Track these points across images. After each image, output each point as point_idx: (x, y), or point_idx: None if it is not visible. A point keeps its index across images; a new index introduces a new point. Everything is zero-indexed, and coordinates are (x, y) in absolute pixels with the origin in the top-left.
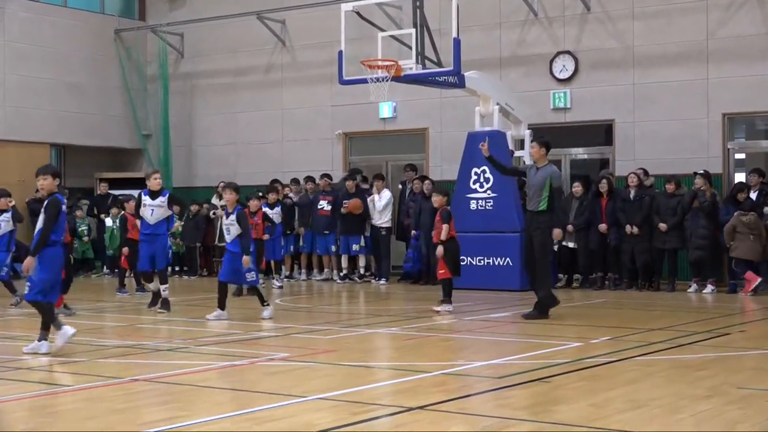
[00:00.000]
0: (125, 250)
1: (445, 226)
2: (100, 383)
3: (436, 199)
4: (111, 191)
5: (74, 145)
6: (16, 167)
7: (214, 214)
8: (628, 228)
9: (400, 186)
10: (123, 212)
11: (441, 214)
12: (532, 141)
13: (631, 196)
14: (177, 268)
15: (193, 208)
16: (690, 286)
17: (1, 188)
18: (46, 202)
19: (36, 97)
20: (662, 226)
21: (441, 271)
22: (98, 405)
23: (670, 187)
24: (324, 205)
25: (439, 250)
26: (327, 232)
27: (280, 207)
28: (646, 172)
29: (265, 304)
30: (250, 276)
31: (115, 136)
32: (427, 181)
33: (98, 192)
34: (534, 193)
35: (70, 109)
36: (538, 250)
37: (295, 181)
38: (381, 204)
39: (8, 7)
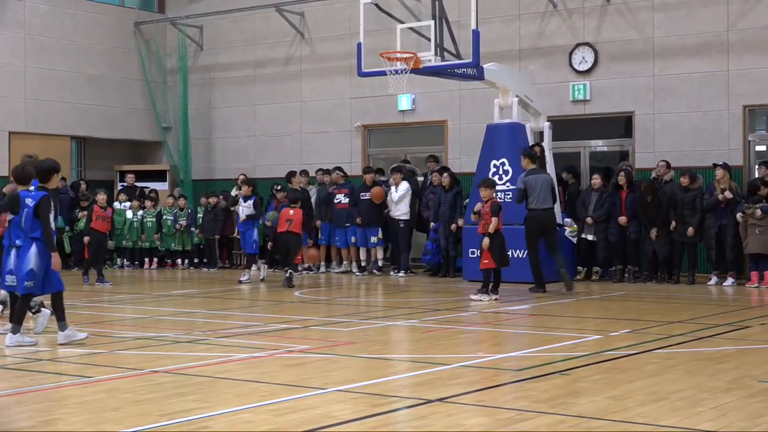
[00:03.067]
0: (86, 239)
1: (494, 219)
2: (120, 374)
3: (485, 192)
4: (137, 184)
5: (94, 138)
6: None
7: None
8: (653, 233)
9: (420, 177)
10: (93, 204)
11: (491, 206)
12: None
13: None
14: (196, 260)
15: (212, 200)
16: (710, 279)
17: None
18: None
19: (56, 90)
20: (690, 230)
21: (485, 261)
22: (120, 396)
23: (684, 181)
24: (341, 198)
25: (485, 241)
26: (348, 225)
27: (253, 200)
28: (668, 165)
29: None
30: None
31: (135, 128)
32: (445, 174)
33: (126, 183)
34: (545, 192)
35: (90, 102)
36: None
37: (305, 172)
38: (397, 195)
39: (29, 0)
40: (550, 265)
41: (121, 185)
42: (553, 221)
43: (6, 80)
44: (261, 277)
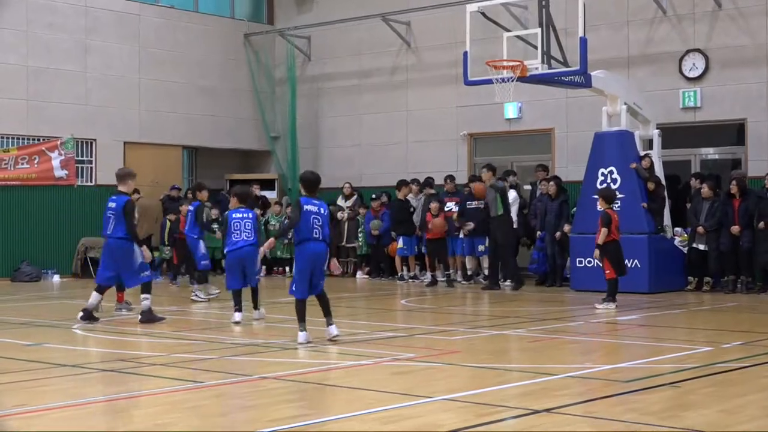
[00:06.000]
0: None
1: (604, 230)
2: (230, 380)
3: (599, 203)
4: (263, 192)
5: (205, 147)
6: (151, 168)
7: (340, 216)
8: (761, 224)
9: (529, 186)
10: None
11: (602, 217)
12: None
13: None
14: None
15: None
16: None
17: None
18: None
19: (169, 101)
20: None
21: (607, 272)
22: (229, 401)
23: None
24: (451, 206)
25: (595, 253)
26: (457, 233)
27: (194, 207)
28: None
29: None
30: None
31: (245, 138)
32: (551, 183)
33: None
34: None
35: (201, 112)
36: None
37: (416, 182)
38: None
39: (144, 13)
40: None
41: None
42: (496, 229)
43: (122, 92)
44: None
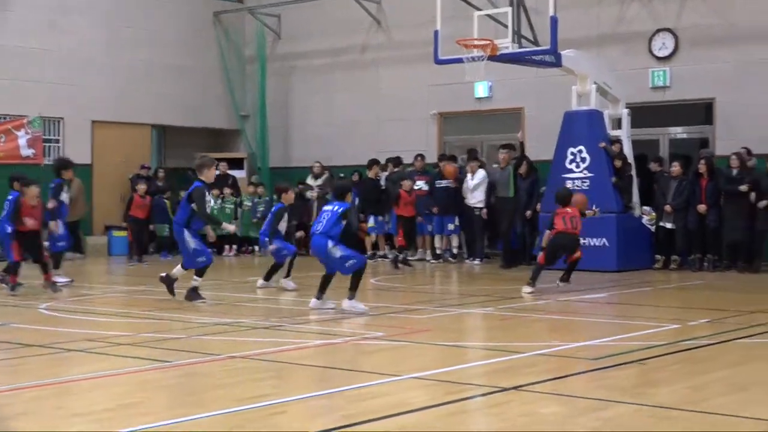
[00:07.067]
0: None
1: (547, 232)
2: (199, 359)
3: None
4: (230, 171)
5: (174, 126)
6: (119, 147)
7: (309, 195)
8: (762, 203)
9: (496, 165)
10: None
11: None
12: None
13: (734, 175)
14: None
15: None
16: None
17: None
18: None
19: (138, 79)
20: (762, 203)
21: (540, 255)
22: (198, 381)
23: None
24: (421, 184)
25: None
26: (427, 212)
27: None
28: (749, 152)
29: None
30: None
31: (214, 116)
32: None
33: (219, 172)
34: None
35: (170, 91)
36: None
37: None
38: (473, 183)
39: None
40: None
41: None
42: (504, 209)
43: (90, 70)
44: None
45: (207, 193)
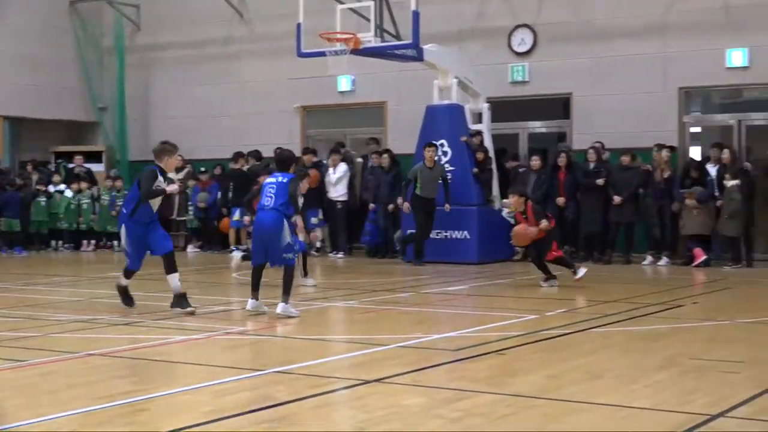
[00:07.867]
0: None
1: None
2: (56, 358)
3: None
4: (86, 165)
5: (29, 118)
6: None
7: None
8: (616, 198)
9: (360, 159)
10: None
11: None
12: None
13: (591, 168)
14: None
15: None
16: (645, 259)
17: None
18: None
19: None
20: (617, 198)
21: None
22: (56, 379)
23: (625, 159)
24: None
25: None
26: None
27: None
28: (603, 146)
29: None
30: None
31: (71, 108)
32: (384, 155)
33: (73, 165)
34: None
35: (24, 82)
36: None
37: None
38: (335, 177)
39: None
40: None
41: (54, 165)
42: (430, 209)
43: None
44: None
45: (159, 178)
